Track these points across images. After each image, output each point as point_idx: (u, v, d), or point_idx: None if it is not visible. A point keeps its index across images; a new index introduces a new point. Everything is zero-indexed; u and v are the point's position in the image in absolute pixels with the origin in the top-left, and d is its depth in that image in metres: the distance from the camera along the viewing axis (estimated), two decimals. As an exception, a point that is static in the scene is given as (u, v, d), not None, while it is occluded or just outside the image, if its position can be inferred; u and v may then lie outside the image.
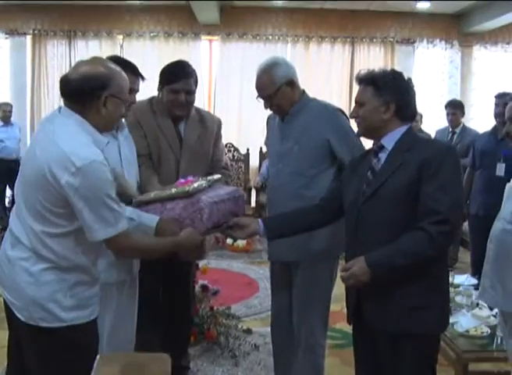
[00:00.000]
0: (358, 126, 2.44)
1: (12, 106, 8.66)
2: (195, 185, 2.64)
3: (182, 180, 2.77)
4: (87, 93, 2.11)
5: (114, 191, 2.14)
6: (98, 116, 2.15)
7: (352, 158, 2.74)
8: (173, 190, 2.62)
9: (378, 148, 2.42)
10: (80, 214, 2.07)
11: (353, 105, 2.45)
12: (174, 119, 3.15)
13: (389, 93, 2.32)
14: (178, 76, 3.08)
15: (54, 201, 2.07)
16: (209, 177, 2.78)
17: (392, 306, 2.32)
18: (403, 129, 2.37)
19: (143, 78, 2.81)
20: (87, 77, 2.11)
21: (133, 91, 2.72)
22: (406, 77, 2.41)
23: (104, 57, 2.68)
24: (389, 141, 2.37)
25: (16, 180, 2.23)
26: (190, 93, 3.12)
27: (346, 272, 2.28)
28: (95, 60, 2.27)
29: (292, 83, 3.01)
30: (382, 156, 2.39)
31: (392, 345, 2.35)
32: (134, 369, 1.30)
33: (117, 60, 2.70)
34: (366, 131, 2.43)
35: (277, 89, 2.95)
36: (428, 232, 2.19)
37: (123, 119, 2.77)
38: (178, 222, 2.53)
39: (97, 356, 1.38)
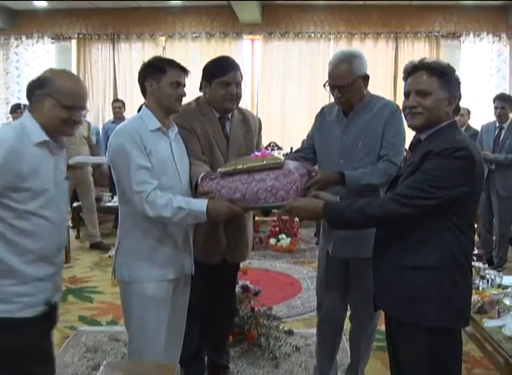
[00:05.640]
0: (416, 117, 2.27)
1: (122, 102, 8.29)
2: (281, 156, 2.68)
3: (257, 153, 2.77)
4: (29, 92, 2.27)
5: None
6: (37, 114, 2.25)
7: None
8: (264, 161, 2.62)
9: (415, 141, 2.37)
10: None
11: (397, 101, 2.39)
12: (220, 118, 3.14)
13: (454, 86, 2.27)
14: (227, 68, 3.04)
15: None
16: (279, 152, 2.82)
17: (391, 294, 2.33)
18: (444, 123, 2.27)
19: (186, 72, 2.79)
20: (34, 79, 2.29)
21: (181, 84, 2.74)
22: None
23: (147, 59, 2.76)
24: (425, 133, 2.30)
25: None
26: (239, 85, 3.09)
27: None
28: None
29: (367, 78, 2.98)
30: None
31: (401, 336, 2.33)
32: (138, 378, 1.28)
33: (159, 59, 2.79)
34: (426, 123, 2.28)
35: (354, 80, 2.90)
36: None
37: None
38: (270, 193, 2.57)
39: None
